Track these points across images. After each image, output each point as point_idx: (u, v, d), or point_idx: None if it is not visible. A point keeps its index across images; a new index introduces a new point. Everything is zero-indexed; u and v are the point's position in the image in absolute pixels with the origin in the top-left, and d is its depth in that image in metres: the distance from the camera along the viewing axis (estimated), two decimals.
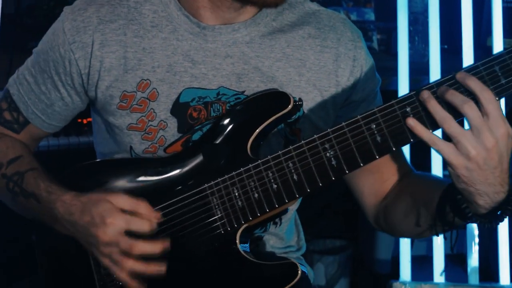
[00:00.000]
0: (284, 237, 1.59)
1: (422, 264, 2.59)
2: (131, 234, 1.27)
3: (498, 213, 1.25)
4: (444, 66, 2.35)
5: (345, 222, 3.05)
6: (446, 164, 1.23)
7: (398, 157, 1.48)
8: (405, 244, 2.37)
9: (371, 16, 2.95)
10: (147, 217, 1.29)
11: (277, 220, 1.53)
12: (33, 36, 1.49)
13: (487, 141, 1.18)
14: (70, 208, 1.34)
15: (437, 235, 1.34)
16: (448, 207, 1.28)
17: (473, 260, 2.40)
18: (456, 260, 2.73)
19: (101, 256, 1.31)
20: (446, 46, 2.73)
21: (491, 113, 1.18)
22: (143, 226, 1.28)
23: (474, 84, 1.19)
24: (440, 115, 1.20)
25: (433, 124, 1.23)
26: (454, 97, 1.20)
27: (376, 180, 1.49)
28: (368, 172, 1.48)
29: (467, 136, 1.18)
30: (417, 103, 1.24)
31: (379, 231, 1.58)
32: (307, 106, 1.45)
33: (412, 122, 1.23)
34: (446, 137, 1.22)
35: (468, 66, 1.23)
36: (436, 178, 1.42)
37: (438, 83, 1.24)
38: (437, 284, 2.38)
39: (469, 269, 2.40)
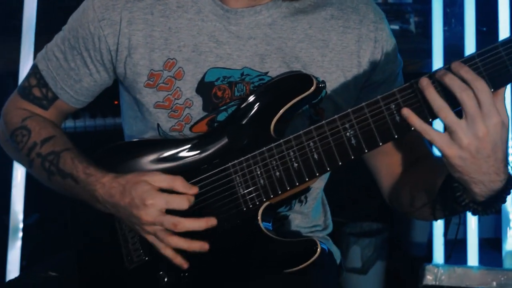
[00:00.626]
0: (310, 215, 1.61)
1: (456, 248, 2.58)
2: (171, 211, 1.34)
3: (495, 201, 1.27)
4: (481, 49, 2.32)
5: (382, 205, 3.05)
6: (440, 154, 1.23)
7: (416, 139, 1.49)
8: (438, 228, 2.37)
9: None
10: (185, 192, 1.35)
11: (302, 198, 1.55)
12: None
13: (479, 130, 1.18)
14: (110, 191, 1.39)
15: (436, 220, 1.37)
16: (448, 193, 1.30)
17: (508, 244, 2.38)
18: (491, 244, 2.71)
19: (145, 234, 1.37)
20: (484, 29, 2.69)
21: (484, 103, 1.18)
22: (182, 203, 1.35)
23: (467, 73, 1.20)
24: (437, 104, 1.21)
25: (431, 114, 1.24)
26: (453, 82, 1.20)
27: (392, 162, 1.51)
28: (386, 154, 1.50)
29: (462, 125, 1.19)
30: (436, 83, 1.24)
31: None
32: (330, 86, 1.47)
33: (406, 112, 1.24)
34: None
35: (466, 57, 1.23)
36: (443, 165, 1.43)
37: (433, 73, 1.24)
38: (471, 267, 2.38)
39: (503, 253, 2.39)
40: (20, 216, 2.23)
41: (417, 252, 2.91)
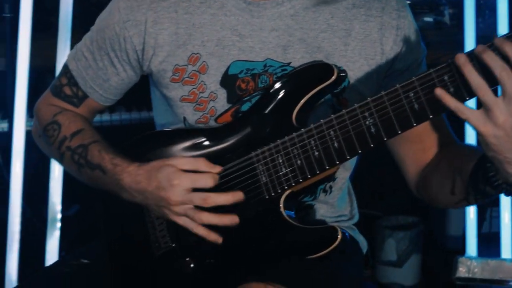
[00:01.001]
0: (335, 205, 1.62)
1: (490, 242, 2.57)
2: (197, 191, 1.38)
3: None
4: None
5: (417, 198, 3.04)
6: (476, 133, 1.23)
7: (441, 127, 1.49)
8: (471, 221, 2.36)
9: None
10: (208, 172, 1.39)
11: (327, 188, 1.57)
12: None
13: None
14: (137, 178, 1.43)
15: (470, 205, 1.35)
16: (480, 175, 1.29)
17: None
18: None
19: (175, 216, 1.41)
20: None
21: None
22: (207, 181, 1.38)
23: (511, 49, 1.18)
24: (475, 82, 1.20)
25: (469, 92, 1.23)
26: (493, 60, 1.18)
27: (418, 150, 1.51)
28: (410, 141, 1.50)
29: (499, 103, 1.18)
30: (454, 72, 1.24)
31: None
32: (353, 75, 1.48)
33: (439, 91, 1.24)
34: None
35: (507, 34, 1.21)
36: (474, 148, 1.42)
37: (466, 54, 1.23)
38: (504, 259, 2.36)
39: None
40: (58, 207, 2.30)
41: (451, 245, 2.90)
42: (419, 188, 1.54)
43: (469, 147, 1.31)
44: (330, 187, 1.58)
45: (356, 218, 1.71)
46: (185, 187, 1.37)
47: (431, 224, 3.03)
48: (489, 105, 1.19)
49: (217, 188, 1.42)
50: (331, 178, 1.55)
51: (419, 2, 2.90)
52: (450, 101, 1.23)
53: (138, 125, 2.52)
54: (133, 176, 1.44)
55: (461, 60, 1.21)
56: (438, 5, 2.89)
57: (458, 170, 1.38)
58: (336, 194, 1.61)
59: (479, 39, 2.43)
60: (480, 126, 1.21)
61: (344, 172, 1.60)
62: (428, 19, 2.87)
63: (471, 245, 2.36)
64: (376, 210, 3.07)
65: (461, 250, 2.52)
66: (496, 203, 2.42)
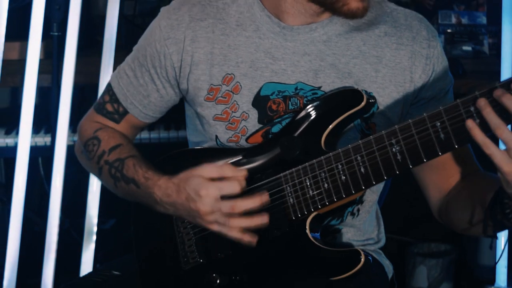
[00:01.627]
0: (362, 228, 1.64)
1: None
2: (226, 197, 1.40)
3: None
4: None
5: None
6: (496, 169, 1.25)
7: (464, 155, 1.51)
8: (501, 251, 2.35)
9: (483, 20, 2.92)
10: (234, 178, 1.41)
11: (354, 211, 1.60)
12: None
13: None
14: (167, 191, 1.47)
15: (486, 235, 1.37)
16: (498, 209, 1.32)
17: None
18: None
19: (208, 225, 1.43)
20: None
21: None
22: (234, 188, 1.40)
23: None
24: (494, 121, 1.22)
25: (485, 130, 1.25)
26: (510, 102, 1.21)
27: (441, 176, 1.53)
28: (434, 168, 1.52)
29: None
30: (492, 103, 1.25)
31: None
32: (383, 101, 1.51)
33: (470, 123, 1.25)
34: None
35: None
36: (494, 179, 1.44)
37: (481, 93, 1.25)
38: None
39: None
40: (95, 221, 2.36)
41: (483, 275, 2.88)
42: (441, 214, 1.56)
43: (491, 177, 1.32)
44: (358, 210, 1.60)
45: (382, 242, 1.72)
46: (213, 196, 1.39)
47: (464, 253, 3.02)
48: (508, 143, 1.22)
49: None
50: (359, 201, 1.58)
51: (459, 30, 2.92)
52: (478, 135, 1.25)
53: (176, 144, 2.58)
54: (163, 189, 1.48)
55: (482, 102, 1.24)
56: (478, 34, 2.91)
57: (478, 200, 1.40)
58: (363, 217, 1.63)
59: None
60: (503, 165, 1.23)
61: (372, 195, 1.62)
62: (467, 48, 2.89)
63: (501, 275, 2.34)
64: (409, 237, 3.07)
65: (492, 280, 2.51)
66: None
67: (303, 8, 1.49)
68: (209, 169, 1.42)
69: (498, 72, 2.55)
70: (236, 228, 1.41)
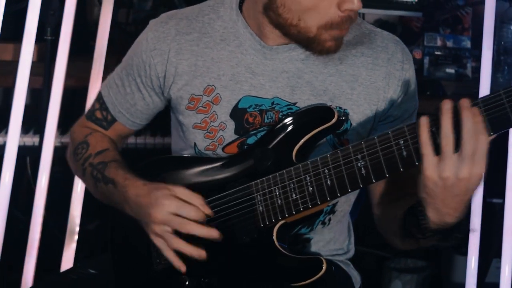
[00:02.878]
0: (332, 238, 1.71)
1: None
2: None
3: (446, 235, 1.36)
4: None
5: None
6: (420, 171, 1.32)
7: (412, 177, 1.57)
8: (471, 270, 2.40)
9: (467, 44, 2.98)
10: (198, 208, 1.47)
11: (326, 220, 1.66)
12: None
13: (462, 173, 1.26)
14: (138, 191, 1.54)
15: (402, 248, 1.48)
16: (411, 217, 1.40)
17: None
18: None
19: (153, 235, 1.50)
20: None
21: (479, 153, 1.26)
22: (191, 212, 1.46)
23: (478, 123, 1.26)
24: (446, 130, 1.28)
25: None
26: (468, 121, 1.26)
27: (390, 190, 1.60)
28: (382, 181, 1.56)
29: (453, 159, 1.27)
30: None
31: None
32: (356, 118, 1.58)
33: (423, 120, 1.31)
34: None
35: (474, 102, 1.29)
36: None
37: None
38: None
39: None
40: (77, 220, 2.41)
41: None
42: (379, 225, 1.64)
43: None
44: (329, 220, 1.66)
45: (351, 253, 1.79)
46: (170, 210, 1.46)
47: (439, 270, 3.07)
48: (444, 154, 1.27)
49: (216, 213, 1.52)
50: (331, 211, 1.65)
51: (444, 53, 2.99)
52: (424, 132, 1.30)
53: (161, 150, 2.62)
54: (136, 189, 1.54)
55: (445, 106, 1.29)
56: (462, 57, 2.97)
57: (399, 211, 1.48)
58: (334, 227, 1.69)
59: None
60: (428, 169, 1.29)
61: (344, 206, 1.68)
62: (450, 70, 2.95)
63: None
64: (387, 252, 3.12)
65: None
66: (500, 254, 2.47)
67: (281, 36, 1.55)
68: (181, 190, 1.49)
69: (477, 96, 2.61)
70: (173, 250, 1.48)
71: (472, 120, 1.26)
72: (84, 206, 2.44)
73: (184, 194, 1.49)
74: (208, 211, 1.49)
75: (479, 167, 1.27)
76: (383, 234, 1.63)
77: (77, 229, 2.40)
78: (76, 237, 2.40)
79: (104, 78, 2.37)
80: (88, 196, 2.44)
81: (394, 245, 1.57)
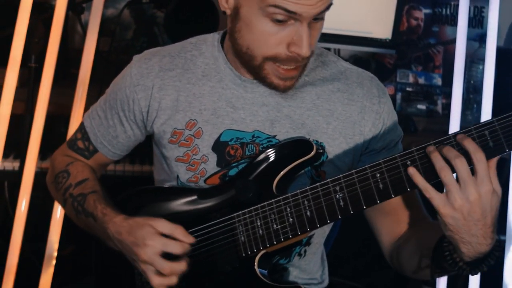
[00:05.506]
0: (307, 269, 1.76)
1: None
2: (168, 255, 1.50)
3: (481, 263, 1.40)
4: None
5: (396, 276, 3.16)
6: (435, 212, 1.37)
7: (413, 203, 1.64)
8: None
9: (438, 81, 3.10)
10: (182, 241, 1.50)
11: (301, 252, 1.71)
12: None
13: (470, 195, 1.32)
14: (119, 229, 1.56)
15: (432, 278, 1.49)
16: (439, 252, 1.44)
17: None
18: None
19: (141, 271, 1.53)
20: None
21: (480, 172, 1.32)
22: (177, 249, 1.49)
23: (470, 145, 1.33)
24: (439, 164, 1.34)
25: (428, 176, 1.38)
26: (449, 151, 1.34)
27: (392, 222, 1.65)
28: (386, 214, 1.65)
29: (456, 187, 1.33)
30: (416, 157, 1.39)
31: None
32: (333, 151, 1.64)
33: (412, 170, 1.38)
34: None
35: (464, 129, 1.37)
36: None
37: (439, 141, 1.38)
38: None
39: None
40: (56, 246, 2.43)
41: None
42: (392, 259, 1.67)
43: (437, 225, 1.45)
44: (305, 251, 1.72)
45: (325, 283, 1.84)
46: (156, 249, 1.48)
47: None
48: (448, 186, 1.34)
49: (199, 243, 1.57)
50: (307, 242, 1.70)
51: (416, 90, 3.09)
52: (419, 180, 1.37)
53: (140, 178, 2.65)
54: (117, 226, 1.56)
55: (431, 148, 1.37)
56: (433, 94, 3.07)
57: (425, 246, 1.51)
58: (309, 258, 1.74)
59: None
60: (441, 207, 1.35)
61: (318, 238, 1.73)
62: (422, 106, 3.04)
63: None
64: (359, 283, 3.17)
65: None
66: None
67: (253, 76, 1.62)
68: (163, 224, 1.51)
69: (448, 132, 2.70)
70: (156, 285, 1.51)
71: (450, 148, 1.34)
72: (61, 231, 2.46)
73: (166, 228, 1.51)
74: (190, 239, 1.52)
75: (486, 185, 1.32)
76: (397, 269, 1.66)
77: (55, 254, 2.41)
78: (54, 262, 2.41)
79: (86, 105, 2.42)
80: (65, 222, 2.47)
81: (411, 276, 1.61)
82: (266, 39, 1.50)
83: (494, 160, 1.36)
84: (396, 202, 1.62)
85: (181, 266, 1.49)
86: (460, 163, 1.33)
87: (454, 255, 1.41)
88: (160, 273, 1.49)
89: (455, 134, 1.37)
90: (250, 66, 1.57)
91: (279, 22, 1.48)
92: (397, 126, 1.70)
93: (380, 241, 1.70)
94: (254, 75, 1.61)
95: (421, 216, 1.65)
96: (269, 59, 1.53)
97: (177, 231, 1.51)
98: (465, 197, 1.33)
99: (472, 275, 1.42)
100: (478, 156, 1.33)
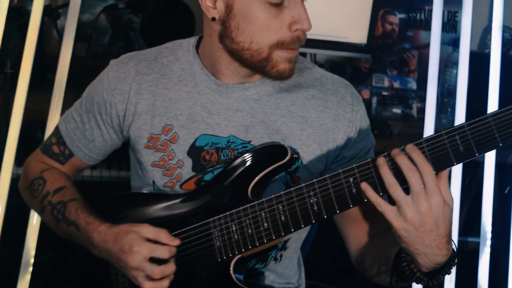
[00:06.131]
0: (283, 274, 1.77)
1: None
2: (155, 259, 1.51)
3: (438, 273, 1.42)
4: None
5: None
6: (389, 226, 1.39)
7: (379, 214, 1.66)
8: None
9: (413, 85, 3.14)
10: (167, 244, 1.52)
11: (277, 256, 1.72)
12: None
13: (421, 207, 1.34)
14: (105, 238, 1.57)
15: (392, 286, 1.50)
16: (398, 262, 1.46)
17: None
18: None
19: (131, 277, 1.54)
20: None
21: (428, 184, 1.34)
22: (164, 253, 1.51)
23: (418, 157, 1.35)
24: (388, 180, 1.37)
25: (383, 189, 1.40)
26: (403, 162, 1.36)
27: (358, 231, 1.68)
28: (354, 222, 1.67)
29: (407, 200, 1.35)
30: (390, 162, 1.39)
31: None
32: (307, 157, 1.65)
33: (364, 185, 1.40)
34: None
35: (416, 142, 1.39)
36: None
37: (385, 155, 1.40)
38: None
39: None
40: (32, 252, 2.42)
41: None
42: (357, 264, 1.70)
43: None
44: (281, 256, 1.73)
45: (302, 287, 1.86)
46: (143, 255, 1.50)
47: None
48: (398, 202, 1.36)
49: (178, 249, 1.57)
50: (283, 247, 1.71)
51: (391, 94, 3.12)
52: (371, 194, 1.40)
53: (116, 183, 2.66)
54: (102, 235, 1.57)
55: (380, 161, 1.39)
56: (408, 98, 3.11)
57: (386, 254, 1.54)
58: (285, 263, 1.75)
59: None
60: (393, 220, 1.37)
61: (295, 243, 1.75)
62: (397, 110, 3.07)
63: None
64: (336, 286, 3.19)
65: None
66: None
67: (235, 70, 1.63)
68: (147, 229, 1.53)
69: (422, 135, 2.74)
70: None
71: (406, 161, 1.35)
72: (38, 238, 2.46)
73: (150, 233, 1.53)
74: (176, 242, 1.54)
75: (436, 196, 1.34)
76: (362, 274, 1.68)
77: (32, 261, 2.41)
78: (30, 269, 2.40)
79: (62, 111, 2.42)
80: (42, 228, 2.46)
81: (373, 281, 1.63)
82: (268, 25, 1.52)
83: (446, 171, 1.38)
84: (363, 211, 1.65)
85: (170, 268, 1.51)
86: (413, 176, 1.35)
87: (412, 265, 1.43)
88: (151, 278, 1.50)
89: (423, 139, 1.38)
90: (255, 61, 1.57)
91: (276, 5, 1.51)
92: (370, 134, 1.72)
93: (348, 247, 1.73)
94: (258, 70, 1.60)
95: (385, 226, 1.67)
96: (275, 46, 1.54)
97: (162, 235, 1.53)
98: (416, 209, 1.34)
99: (430, 286, 1.44)
100: (426, 168, 1.34)
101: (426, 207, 1.34)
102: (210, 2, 1.56)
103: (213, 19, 1.57)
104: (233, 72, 1.64)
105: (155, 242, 1.52)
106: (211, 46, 1.63)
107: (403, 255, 1.44)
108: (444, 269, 1.42)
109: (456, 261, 1.44)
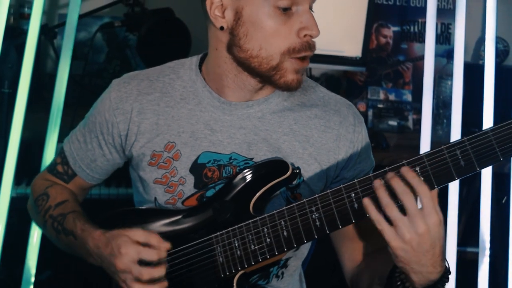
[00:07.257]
0: None
1: None
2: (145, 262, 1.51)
3: None
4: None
5: None
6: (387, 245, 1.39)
7: (376, 232, 1.67)
8: None
9: (408, 97, 3.16)
10: (157, 247, 1.52)
11: (279, 273, 1.73)
12: (97, 96, 1.79)
13: (419, 228, 1.35)
14: (98, 243, 1.58)
15: None
16: (393, 282, 1.47)
17: None
18: None
19: (120, 281, 1.54)
20: (477, 130, 2.88)
21: (425, 205, 1.36)
22: (152, 256, 1.51)
23: (413, 179, 1.37)
24: (385, 201, 1.38)
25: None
26: (397, 185, 1.37)
27: (355, 248, 1.69)
28: (350, 240, 1.68)
29: (404, 221, 1.36)
30: (386, 184, 1.40)
31: None
32: (307, 175, 1.66)
33: (366, 201, 1.41)
34: None
35: (415, 157, 1.40)
36: None
37: (390, 169, 1.42)
38: None
39: None
40: (33, 271, 2.42)
41: None
42: (352, 282, 1.71)
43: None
44: (282, 273, 1.73)
45: None
46: (131, 257, 1.49)
47: None
48: (395, 222, 1.37)
49: (178, 264, 1.58)
50: (284, 264, 1.72)
51: (386, 106, 3.14)
52: (372, 211, 1.40)
53: (116, 200, 2.66)
54: (95, 241, 1.58)
55: (376, 184, 1.40)
56: (403, 110, 3.12)
57: (380, 273, 1.55)
58: (287, 280, 1.76)
59: (434, 145, 2.64)
60: (391, 240, 1.37)
61: (296, 261, 1.75)
62: (393, 122, 3.09)
63: None
64: None
65: None
66: None
67: (243, 83, 1.63)
68: (137, 233, 1.53)
69: (419, 147, 2.75)
70: None
71: (400, 184, 1.37)
72: (38, 256, 2.46)
73: (140, 236, 1.53)
74: (166, 245, 1.53)
75: (433, 217, 1.35)
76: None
77: (33, 279, 2.41)
78: (31, 287, 2.40)
79: (60, 129, 2.43)
80: (42, 247, 2.46)
81: None
82: (277, 31, 1.54)
83: (435, 191, 1.38)
84: (358, 229, 1.66)
85: (159, 271, 1.51)
86: (408, 199, 1.36)
87: (406, 283, 1.44)
88: (139, 280, 1.50)
89: (401, 164, 1.40)
90: (263, 69, 1.58)
91: (284, 10, 1.53)
92: (370, 156, 1.73)
93: (342, 265, 1.74)
94: (266, 80, 1.61)
95: (380, 245, 1.66)
96: (286, 53, 1.55)
97: (152, 238, 1.53)
98: (413, 231, 1.35)
99: None
100: (422, 189, 1.36)
101: (424, 228, 1.35)
102: (219, 12, 1.58)
103: (222, 28, 1.59)
104: (239, 86, 1.64)
105: (146, 245, 1.52)
106: (217, 59, 1.64)
107: (397, 274, 1.45)
108: (437, 286, 1.43)
109: (449, 277, 1.45)
